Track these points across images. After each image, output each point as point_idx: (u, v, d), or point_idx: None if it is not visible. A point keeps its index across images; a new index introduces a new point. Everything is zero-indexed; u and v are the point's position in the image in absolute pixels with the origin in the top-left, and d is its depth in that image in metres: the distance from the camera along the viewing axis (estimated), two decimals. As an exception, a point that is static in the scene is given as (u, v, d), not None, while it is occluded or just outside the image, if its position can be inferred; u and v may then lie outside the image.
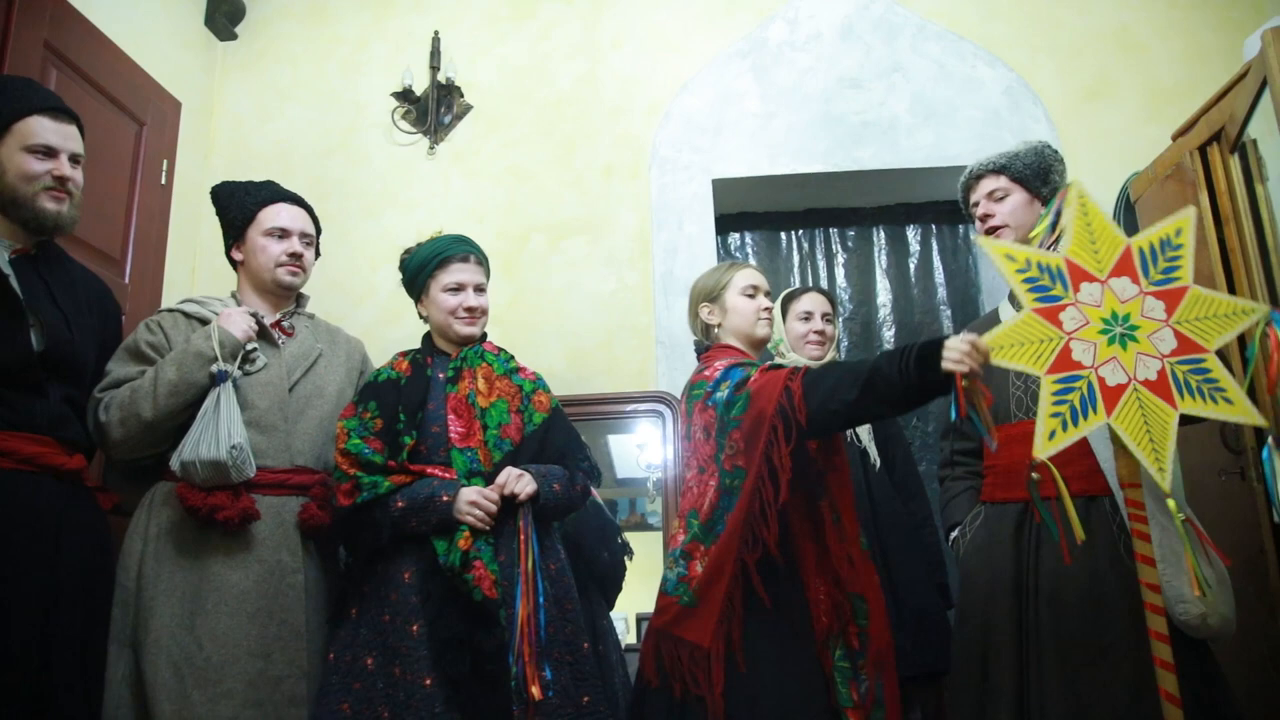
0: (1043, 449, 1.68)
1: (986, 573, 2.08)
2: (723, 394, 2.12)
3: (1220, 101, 2.72)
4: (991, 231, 2.28)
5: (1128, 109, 3.51)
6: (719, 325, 2.39)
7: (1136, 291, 1.79)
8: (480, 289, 2.42)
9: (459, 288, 2.38)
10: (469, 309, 2.37)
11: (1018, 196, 2.28)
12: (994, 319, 2.28)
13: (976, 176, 2.36)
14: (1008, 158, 2.32)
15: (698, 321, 2.43)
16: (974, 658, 2.04)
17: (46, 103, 2.07)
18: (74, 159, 2.08)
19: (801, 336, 2.82)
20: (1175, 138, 2.99)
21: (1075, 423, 1.69)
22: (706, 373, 2.22)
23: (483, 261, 2.47)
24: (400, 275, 2.49)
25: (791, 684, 1.97)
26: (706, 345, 2.42)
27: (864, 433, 2.68)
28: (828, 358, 2.82)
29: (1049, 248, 1.99)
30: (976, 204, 2.35)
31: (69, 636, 1.92)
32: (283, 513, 2.19)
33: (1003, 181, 2.30)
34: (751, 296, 2.37)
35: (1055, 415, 1.69)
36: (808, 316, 2.84)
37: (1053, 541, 1.86)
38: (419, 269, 2.42)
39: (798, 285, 3.90)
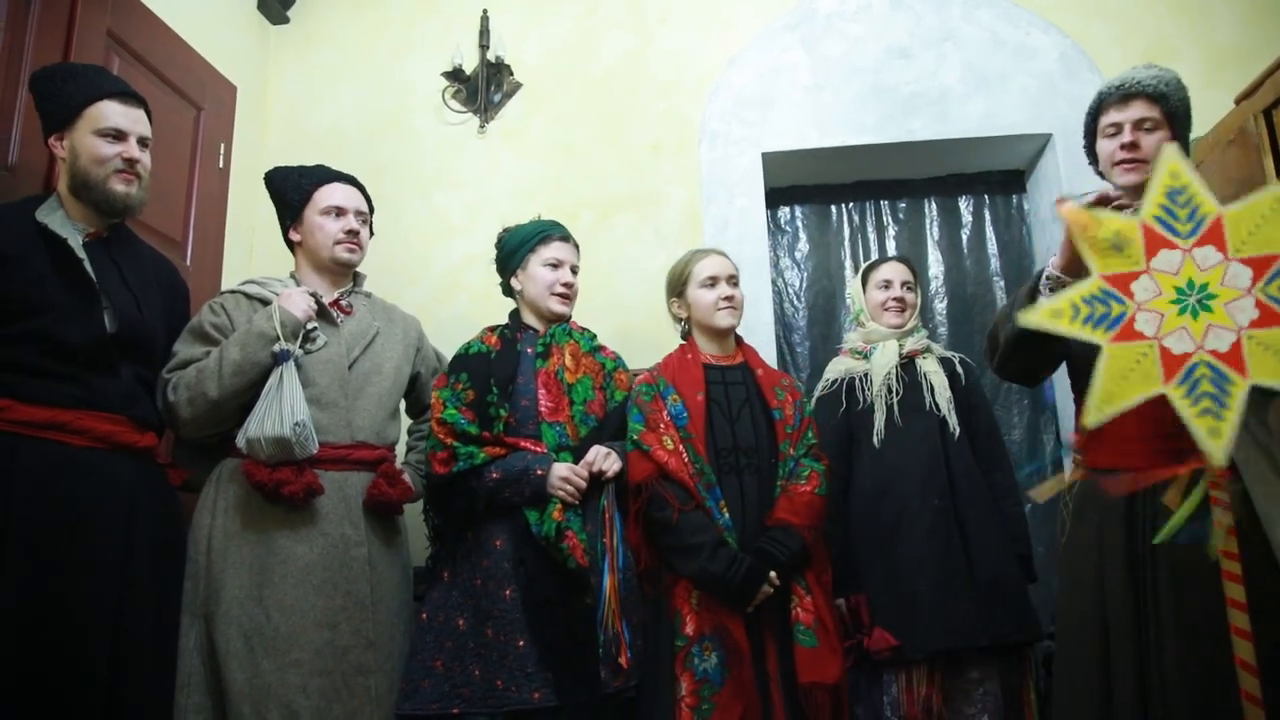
0: (1094, 416, 1.64)
1: (1096, 544, 1.95)
2: (631, 420, 2.39)
3: (1287, 63, 2.64)
4: (1132, 165, 2.00)
5: (1188, 72, 3.33)
6: (686, 319, 2.54)
7: (1220, 259, 1.69)
8: (575, 270, 2.55)
9: (558, 264, 2.51)
10: (566, 284, 2.50)
11: (1164, 134, 2.00)
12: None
13: (1129, 95, 2.02)
14: (1166, 84, 2.02)
15: (672, 315, 2.60)
16: (1095, 625, 1.92)
17: (116, 87, 2.14)
18: (142, 142, 2.14)
19: (880, 304, 2.81)
20: (1239, 101, 2.91)
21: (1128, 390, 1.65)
22: (639, 377, 2.48)
23: (578, 247, 2.60)
24: (496, 251, 2.61)
25: None
26: (685, 334, 2.59)
27: (943, 401, 2.64)
28: (908, 325, 2.79)
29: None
30: (1118, 126, 2.03)
31: (144, 607, 2.00)
32: (345, 487, 2.25)
33: (1157, 112, 2.01)
34: (710, 286, 2.47)
35: (1110, 383, 1.65)
36: (887, 284, 2.82)
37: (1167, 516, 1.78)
38: (520, 243, 2.53)
39: (849, 258, 3.90)
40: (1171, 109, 2.02)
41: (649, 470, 2.30)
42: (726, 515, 2.27)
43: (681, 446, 2.31)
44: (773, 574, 2.20)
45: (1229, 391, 1.62)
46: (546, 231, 2.54)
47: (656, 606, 2.27)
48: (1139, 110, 2.01)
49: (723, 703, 2.12)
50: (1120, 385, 1.66)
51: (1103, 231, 1.72)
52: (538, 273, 2.49)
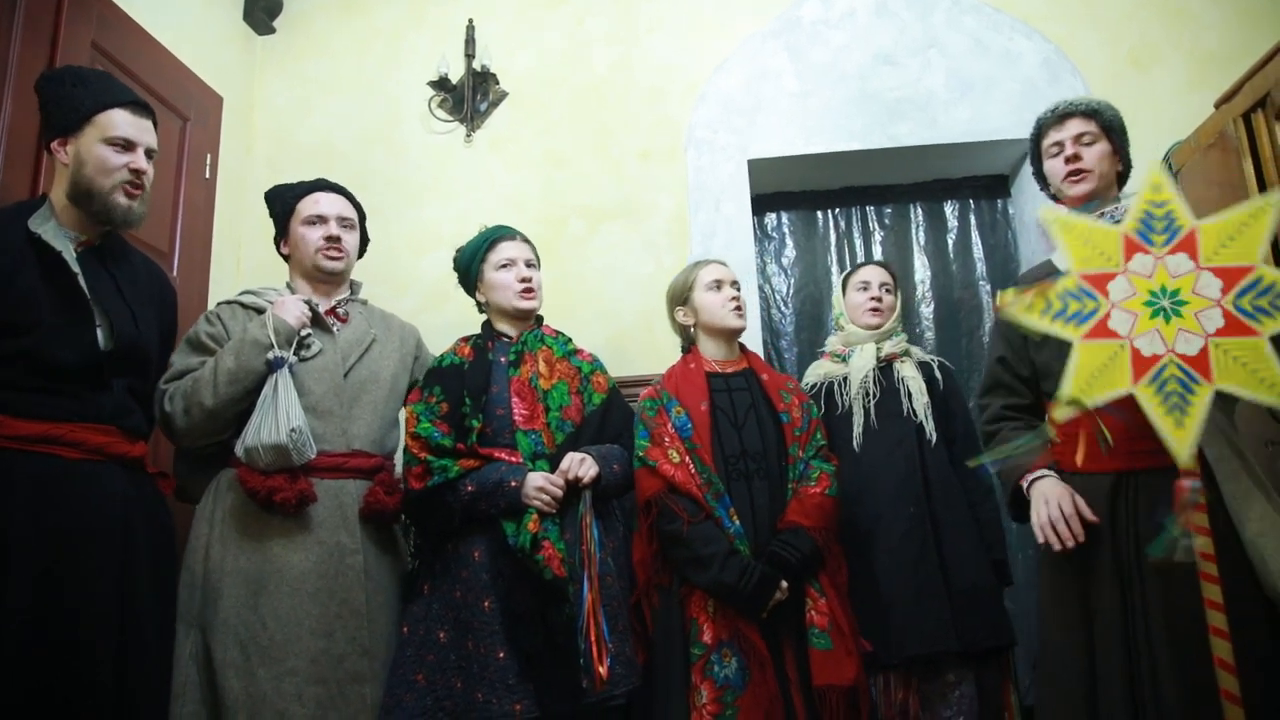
0: (1063, 411, 1.72)
1: (1079, 551, 1.94)
2: (637, 437, 2.40)
3: (1265, 67, 2.68)
4: (1078, 176, 2.14)
5: (1169, 77, 3.46)
6: (694, 325, 2.56)
7: (1191, 267, 1.76)
8: (530, 264, 2.53)
9: (510, 262, 2.49)
10: (523, 279, 2.48)
11: (1104, 146, 2.15)
12: (1048, 267, 2.19)
13: (1065, 115, 2.19)
14: (1096, 103, 2.19)
15: (676, 325, 2.62)
16: (1078, 635, 1.94)
17: (126, 96, 2.10)
18: (149, 153, 2.11)
19: (859, 306, 2.84)
20: (1218, 105, 2.95)
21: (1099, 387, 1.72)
22: (643, 393, 2.50)
23: (528, 242, 2.57)
24: (455, 274, 2.61)
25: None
26: (686, 347, 2.61)
27: (920, 407, 2.66)
28: (886, 327, 2.81)
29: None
30: (1059, 144, 2.18)
31: (145, 616, 1.99)
32: (341, 495, 2.24)
33: (1093, 126, 2.16)
34: (716, 289, 2.52)
35: (1081, 380, 1.73)
36: (865, 286, 2.85)
37: (1151, 516, 1.82)
38: (471, 256, 2.54)
39: (835, 263, 3.93)
40: (1106, 122, 2.17)
41: (657, 486, 2.30)
42: (737, 523, 2.27)
43: (688, 458, 2.31)
44: (784, 584, 2.21)
45: (1194, 393, 1.68)
46: (491, 237, 2.55)
47: (668, 616, 2.26)
48: (1076, 126, 2.17)
49: (746, 706, 2.12)
50: (1091, 383, 1.72)
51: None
52: (494, 278, 2.49)
